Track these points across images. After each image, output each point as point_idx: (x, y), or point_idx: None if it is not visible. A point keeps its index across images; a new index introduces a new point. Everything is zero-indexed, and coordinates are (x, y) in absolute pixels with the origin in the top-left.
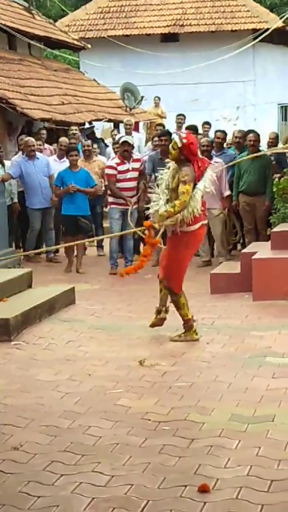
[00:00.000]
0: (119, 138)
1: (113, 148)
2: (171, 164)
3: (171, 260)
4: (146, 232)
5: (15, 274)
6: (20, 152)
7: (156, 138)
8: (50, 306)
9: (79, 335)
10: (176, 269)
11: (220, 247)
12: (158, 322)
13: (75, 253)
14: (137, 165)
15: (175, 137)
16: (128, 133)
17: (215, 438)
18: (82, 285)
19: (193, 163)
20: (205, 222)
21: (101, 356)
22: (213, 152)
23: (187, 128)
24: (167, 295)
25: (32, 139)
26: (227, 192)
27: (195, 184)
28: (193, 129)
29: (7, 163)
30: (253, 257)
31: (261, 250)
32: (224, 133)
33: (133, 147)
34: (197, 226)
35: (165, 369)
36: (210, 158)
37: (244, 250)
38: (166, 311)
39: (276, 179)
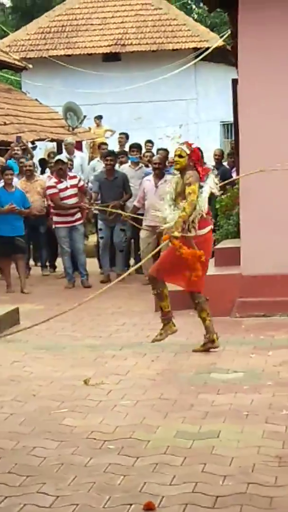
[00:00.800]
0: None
1: (41, 167)
2: (171, 178)
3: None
4: (170, 244)
5: None
6: None
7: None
8: None
9: (23, 355)
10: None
11: None
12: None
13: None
14: (74, 181)
15: (181, 146)
16: (69, 153)
17: (161, 455)
18: (26, 305)
19: (198, 169)
20: (212, 227)
21: (46, 376)
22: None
23: (130, 146)
24: (211, 322)
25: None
26: None
27: (200, 187)
28: (136, 147)
29: None
30: None
31: None
32: (166, 151)
33: (67, 164)
34: (206, 230)
35: (110, 388)
36: (163, 175)
37: None
38: (217, 338)
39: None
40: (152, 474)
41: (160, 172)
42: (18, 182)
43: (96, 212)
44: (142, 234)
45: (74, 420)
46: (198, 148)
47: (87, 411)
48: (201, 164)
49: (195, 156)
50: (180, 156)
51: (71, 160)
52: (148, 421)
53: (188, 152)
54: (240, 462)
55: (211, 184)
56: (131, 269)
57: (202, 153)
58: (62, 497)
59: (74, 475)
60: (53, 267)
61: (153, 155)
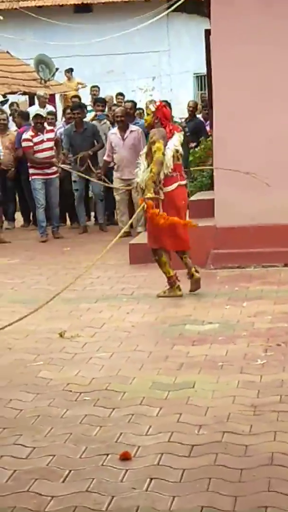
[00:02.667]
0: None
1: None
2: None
3: (154, 224)
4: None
5: None
6: None
7: (68, 111)
8: None
9: None
10: (159, 229)
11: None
12: (196, 285)
13: None
14: (51, 135)
15: (148, 104)
16: (42, 106)
17: (136, 406)
18: (0, 259)
19: (165, 127)
20: (183, 182)
21: (21, 329)
22: None
23: (95, 100)
24: (187, 258)
25: None
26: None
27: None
28: (101, 101)
29: None
30: None
31: None
32: (134, 103)
33: (45, 118)
34: (173, 186)
35: (85, 340)
36: (127, 127)
37: None
38: (197, 271)
39: (193, 149)
40: (128, 424)
41: (123, 125)
42: None
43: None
44: (116, 192)
45: (50, 373)
46: (165, 106)
47: (62, 363)
48: (168, 121)
49: (160, 114)
50: (147, 113)
51: (52, 114)
52: (124, 373)
53: (153, 109)
54: (215, 412)
55: (176, 142)
56: (130, 221)
57: (170, 110)
58: (39, 448)
59: (50, 426)
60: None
61: None
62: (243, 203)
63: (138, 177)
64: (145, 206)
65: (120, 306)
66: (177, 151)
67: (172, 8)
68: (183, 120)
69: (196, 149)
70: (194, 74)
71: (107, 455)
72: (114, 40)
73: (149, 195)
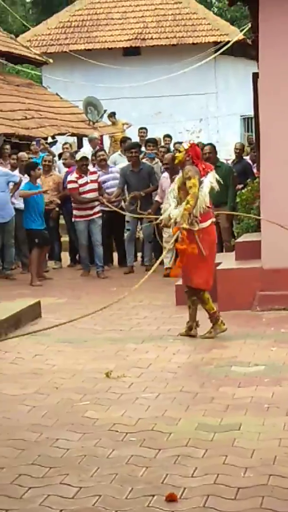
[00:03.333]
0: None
1: (63, 162)
2: (176, 178)
3: (188, 262)
4: (179, 236)
5: None
6: None
7: (99, 154)
8: (16, 320)
9: (45, 348)
10: (200, 266)
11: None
12: (189, 332)
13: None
14: (94, 177)
15: (182, 143)
16: (94, 147)
17: (182, 447)
18: (48, 299)
19: (197, 165)
20: (214, 219)
21: (68, 369)
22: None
23: (146, 141)
24: (195, 311)
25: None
26: None
27: (200, 182)
28: (152, 142)
29: None
30: (218, 267)
31: (226, 260)
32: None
33: (89, 160)
34: (208, 223)
35: (132, 381)
36: (177, 171)
37: None
38: (197, 326)
39: (240, 190)
40: (174, 466)
41: (172, 170)
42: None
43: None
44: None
45: (96, 413)
46: (197, 145)
47: (109, 403)
48: (199, 160)
49: (192, 151)
50: (179, 151)
51: (94, 155)
52: (170, 414)
53: (186, 147)
54: (261, 454)
55: (211, 179)
56: (159, 260)
57: (202, 150)
58: (85, 488)
59: (96, 466)
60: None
61: (169, 150)
62: None
63: (167, 212)
64: (179, 236)
65: (166, 347)
66: (213, 188)
67: (220, 52)
68: (229, 161)
69: (243, 191)
70: (241, 116)
71: (153, 496)
72: (161, 83)
73: (184, 225)
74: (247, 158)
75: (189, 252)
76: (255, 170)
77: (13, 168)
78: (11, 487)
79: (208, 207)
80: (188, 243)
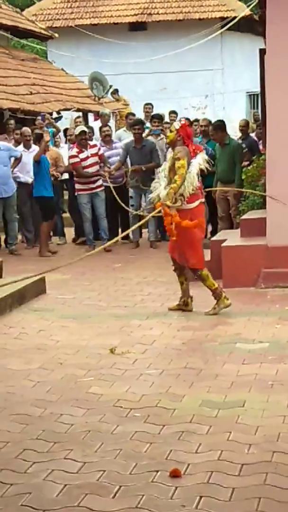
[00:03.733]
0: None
1: (65, 136)
2: (168, 155)
3: (183, 242)
4: (161, 212)
5: None
6: None
7: (104, 129)
8: (20, 296)
9: (50, 324)
10: (193, 247)
11: None
12: (185, 308)
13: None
14: (95, 150)
15: (174, 124)
16: (104, 124)
17: (186, 424)
18: (53, 274)
19: (188, 145)
20: (203, 200)
21: (72, 344)
22: None
23: (152, 117)
24: (188, 286)
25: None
26: None
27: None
28: (157, 117)
29: None
30: (223, 244)
31: (231, 237)
32: (189, 120)
33: (88, 133)
34: (196, 203)
35: (136, 357)
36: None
37: (214, 238)
38: (192, 300)
39: (246, 167)
40: (178, 442)
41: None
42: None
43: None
44: None
45: (101, 388)
46: (189, 126)
47: (113, 379)
48: (190, 140)
49: (182, 132)
50: (170, 131)
51: (90, 129)
52: (174, 390)
53: (177, 127)
54: (265, 431)
55: (200, 161)
56: (138, 225)
57: (192, 129)
58: (89, 463)
59: (101, 442)
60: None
61: None
62: None
63: (156, 191)
64: (165, 210)
65: (171, 323)
66: (201, 170)
67: (226, 27)
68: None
69: (249, 168)
70: (247, 92)
71: (157, 472)
72: (167, 58)
73: (168, 202)
74: (253, 135)
75: (194, 227)
76: (261, 147)
77: (16, 143)
78: (15, 461)
79: (197, 188)
80: (174, 219)
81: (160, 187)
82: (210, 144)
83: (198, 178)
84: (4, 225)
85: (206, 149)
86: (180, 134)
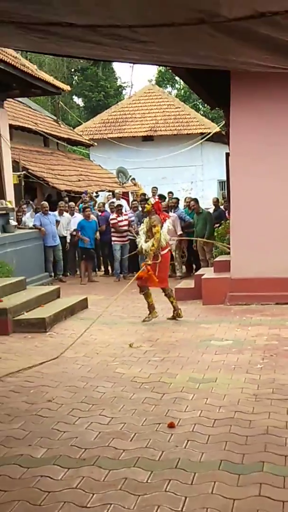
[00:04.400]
0: (113, 202)
1: (109, 206)
2: (145, 220)
3: (159, 275)
4: (144, 268)
5: (49, 289)
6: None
7: (134, 203)
8: (71, 309)
9: (90, 328)
10: (163, 277)
11: (178, 263)
12: (176, 317)
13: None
14: (126, 217)
15: (150, 199)
16: (118, 199)
17: (179, 392)
18: (92, 296)
19: (159, 214)
20: (169, 248)
21: (105, 341)
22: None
23: (159, 195)
24: (174, 301)
25: (46, 203)
26: (179, 232)
27: (161, 226)
28: (161, 197)
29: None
30: (202, 277)
31: (207, 273)
32: (177, 199)
33: (122, 206)
34: (166, 251)
35: (146, 349)
36: (174, 211)
37: (197, 273)
38: (180, 310)
39: (217, 228)
40: (173, 404)
41: (173, 209)
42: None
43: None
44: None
45: (123, 369)
46: (160, 202)
47: (131, 363)
48: (160, 211)
49: (155, 206)
50: (148, 204)
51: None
52: (171, 371)
53: (153, 203)
54: (230, 398)
55: (169, 224)
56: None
57: (161, 204)
58: (115, 418)
59: (123, 404)
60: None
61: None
62: (250, 263)
63: (140, 244)
64: (145, 268)
65: (168, 327)
66: (168, 231)
67: (204, 139)
68: (210, 209)
69: (219, 228)
70: (218, 180)
71: (159, 424)
72: (166, 158)
73: (149, 262)
74: (221, 207)
75: (148, 277)
76: (227, 215)
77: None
78: (67, 416)
79: (167, 243)
80: (150, 270)
81: (141, 241)
82: (191, 214)
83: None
84: (53, 264)
85: (184, 217)
86: (154, 207)
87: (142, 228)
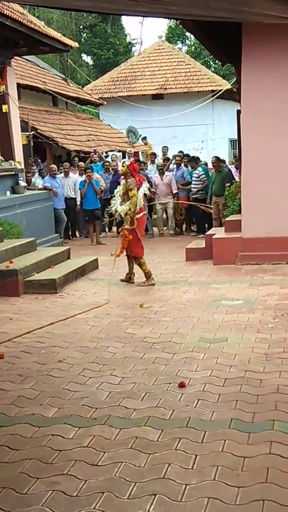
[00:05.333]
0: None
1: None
2: (121, 183)
3: (135, 243)
4: (124, 231)
5: (59, 250)
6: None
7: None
8: (82, 270)
9: (101, 288)
10: (136, 243)
11: (172, 223)
12: (129, 281)
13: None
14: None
15: (125, 161)
16: (129, 158)
17: (189, 352)
18: (103, 256)
19: (135, 177)
20: (146, 211)
21: (115, 301)
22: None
23: (189, 157)
24: (133, 266)
25: (54, 166)
26: (174, 190)
27: (138, 190)
28: (195, 159)
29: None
30: (213, 237)
31: (218, 232)
32: (181, 157)
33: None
34: (141, 214)
35: (156, 309)
36: (163, 173)
37: (207, 233)
38: (133, 275)
39: (228, 187)
40: (183, 364)
41: (162, 171)
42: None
43: None
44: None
45: (134, 330)
46: (135, 163)
47: (142, 324)
48: (136, 173)
49: (131, 167)
50: (123, 166)
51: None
52: (181, 331)
53: (127, 164)
54: (240, 357)
55: (145, 188)
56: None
57: (139, 167)
58: (126, 378)
59: (133, 364)
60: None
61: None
62: (261, 222)
63: (115, 206)
64: (124, 232)
65: (179, 288)
66: (145, 194)
67: (215, 96)
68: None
69: (230, 187)
70: (229, 139)
71: (170, 383)
72: (177, 117)
73: (126, 226)
74: (229, 166)
75: (129, 240)
76: (235, 174)
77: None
78: (78, 376)
79: (143, 205)
80: (128, 235)
81: (117, 203)
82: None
83: (143, 200)
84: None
85: (185, 176)
86: (129, 168)
87: (118, 190)
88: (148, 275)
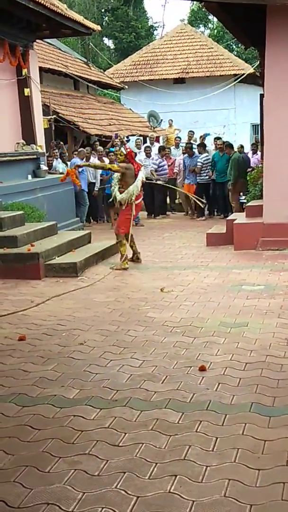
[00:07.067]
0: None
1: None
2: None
3: (124, 220)
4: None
5: (80, 234)
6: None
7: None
8: (102, 254)
9: (121, 272)
10: (125, 221)
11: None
12: (137, 260)
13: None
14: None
15: (122, 149)
16: (151, 143)
17: (210, 336)
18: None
19: (133, 163)
20: (141, 199)
21: (136, 285)
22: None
23: (216, 138)
24: (136, 246)
25: (88, 148)
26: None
27: (135, 178)
28: (231, 145)
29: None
30: (234, 222)
31: (239, 217)
32: (191, 144)
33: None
34: (139, 200)
35: (177, 294)
36: (192, 154)
37: (228, 218)
38: (139, 253)
39: (249, 173)
40: (204, 348)
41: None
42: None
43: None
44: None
45: (154, 314)
46: (132, 151)
47: (162, 308)
48: (133, 159)
49: (128, 156)
50: (121, 155)
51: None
52: (202, 315)
53: (125, 152)
54: (261, 342)
55: (142, 175)
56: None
57: (135, 154)
58: (147, 361)
59: (154, 348)
60: None
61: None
62: (283, 207)
63: (114, 192)
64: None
65: (200, 273)
66: (143, 181)
67: (238, 80)
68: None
69: (252, 172)
70: (251, 124)
71: (190, 367)
72: (199, 101)
73: (123, 207)
74: (244, 153)
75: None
76: (252, 160)
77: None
78: (99, 359)
79: (140, 191)
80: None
81: (115, 190)
82: (224, 157)
83: (140, 187)
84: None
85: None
86: (127, 157)
87: (116, 176)
88: (123, 258)
